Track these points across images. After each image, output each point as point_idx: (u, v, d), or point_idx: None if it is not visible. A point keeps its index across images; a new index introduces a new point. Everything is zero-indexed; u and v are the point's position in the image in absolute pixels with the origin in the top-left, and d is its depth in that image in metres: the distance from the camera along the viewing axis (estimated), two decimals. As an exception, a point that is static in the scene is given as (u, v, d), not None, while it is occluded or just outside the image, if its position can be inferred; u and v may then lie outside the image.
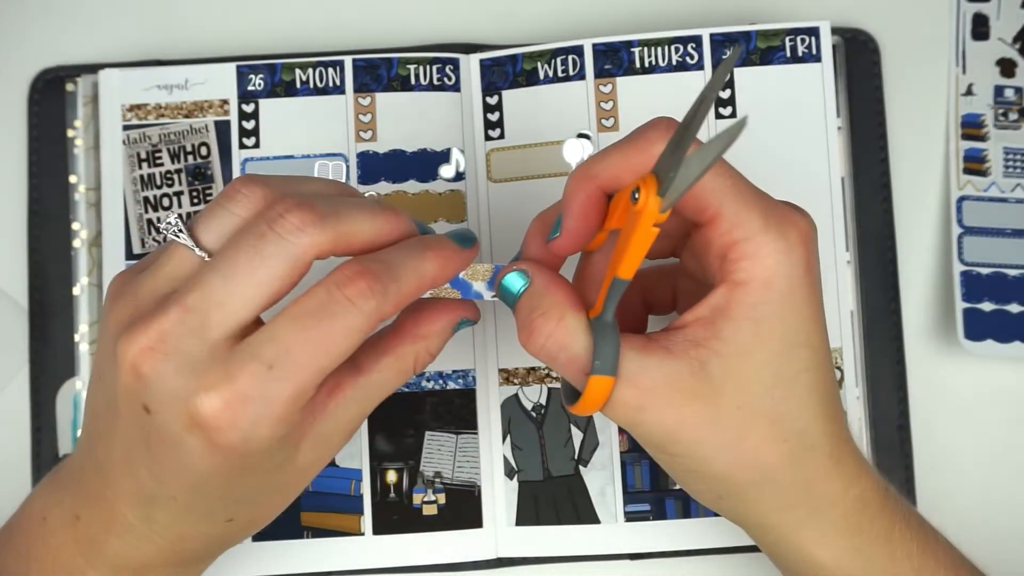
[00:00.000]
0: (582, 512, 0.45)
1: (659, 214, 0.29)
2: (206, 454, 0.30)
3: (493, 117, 0.48)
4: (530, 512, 0.46)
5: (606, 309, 0.32)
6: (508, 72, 0.48)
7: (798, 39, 0.47)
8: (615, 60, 0.47)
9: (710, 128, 0.47)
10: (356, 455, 0.46)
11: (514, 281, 0.34)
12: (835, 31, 0.48)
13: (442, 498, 0.45)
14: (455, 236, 0.34)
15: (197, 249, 0.32)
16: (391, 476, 0.46)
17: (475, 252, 0.35)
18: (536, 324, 0.32)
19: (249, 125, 0.48)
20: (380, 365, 0.34)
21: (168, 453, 0.31)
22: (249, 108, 0.48)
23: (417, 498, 0.45)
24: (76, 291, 0.47)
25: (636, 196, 0.29)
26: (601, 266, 0.36)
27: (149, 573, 0.35)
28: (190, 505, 0.33)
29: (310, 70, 0.48)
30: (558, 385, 0.46)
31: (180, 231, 0.32)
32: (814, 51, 0.47)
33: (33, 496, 0.37)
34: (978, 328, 0.47)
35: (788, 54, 0.47)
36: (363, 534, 0.45)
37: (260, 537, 0.45)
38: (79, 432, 0.46)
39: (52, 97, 0.49)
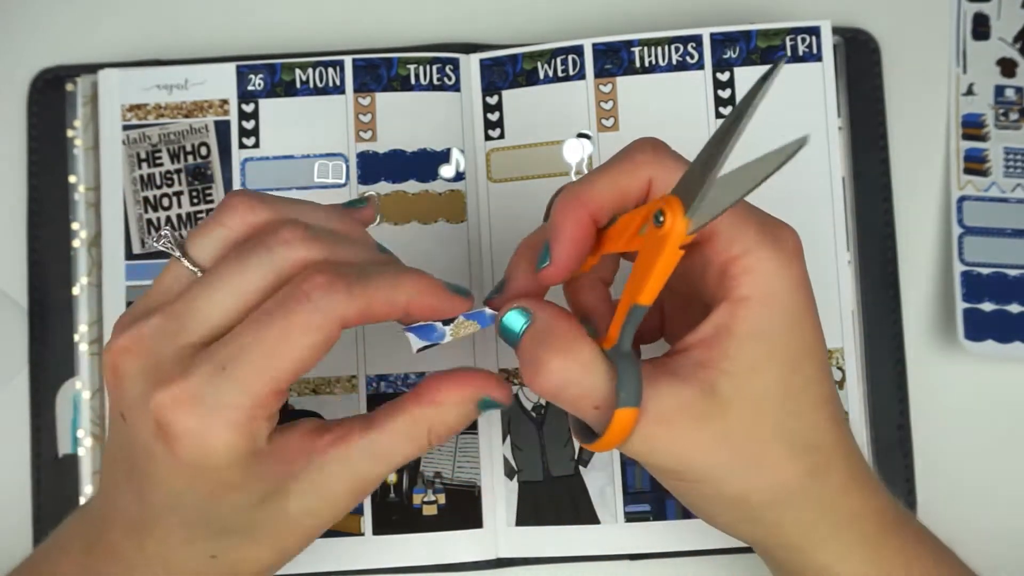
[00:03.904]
0: (582, 512, 0.45)
1: (686, 235, 0.28)
2: (172, 464, 0.30)
3: (493, 117, 0.48)
4: (530, 512, 0.45)
5: (623, 338, 0.31)
6: (508, 72, 0.48)
7: (799, 39, 0.47)
8: (615, 60, 0.47)
9: (710, 130, 0.47)
10: (356, 455, 0.46)
11: (515, 320, 0.33)
12: (835, 31, 0.48)
13: (442, 498, 0.45)
14: (447, 283, 0.33)
15: (187, 262, 0.32)
16: (391, 476, 0.46)
17: (461, 300, 0.33)
18: (542, 360, 0.31)
19: (249, 125, 0.48)
20: (391, 425, 0.32)
21: (143, 466, 0.31)
22: (249, 108, 0.48)
23: (417, 498, 0.45)
24: (76, 291, 0.47)
25: (661, 219, 0.29)
26: (592, 293, 0.35)
27: None
28: (171, 529, 0.32)
29: (310, 70, 0.48)
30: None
31: (171, 245, 0.32)
32: (815, 51, 0.47)
33: (67, 523, 0.36)
34: (978, 328, 0.47)
35: (789, 53, 0.47)
36: (363, 534, 0.45)
37: (260, 537, 0.45)
38: (79, 432, 0.46)
39: (51, 97, 0.49)
